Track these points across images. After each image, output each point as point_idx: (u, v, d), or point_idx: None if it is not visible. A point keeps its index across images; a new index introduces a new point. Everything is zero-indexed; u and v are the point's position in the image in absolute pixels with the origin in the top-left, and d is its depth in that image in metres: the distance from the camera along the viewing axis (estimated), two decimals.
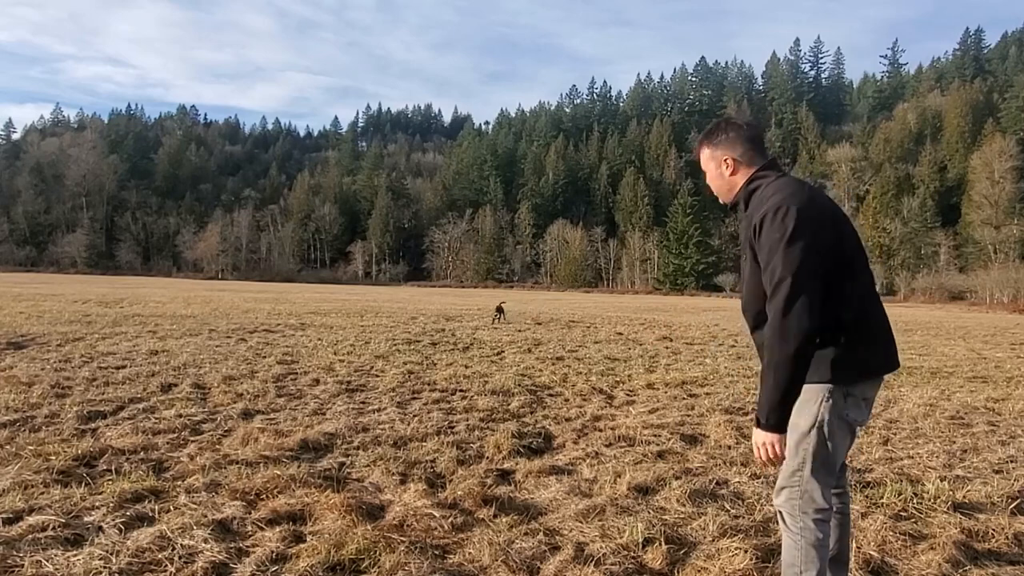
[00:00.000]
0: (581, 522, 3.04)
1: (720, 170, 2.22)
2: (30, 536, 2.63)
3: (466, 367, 7.83)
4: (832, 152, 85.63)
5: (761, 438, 2.03)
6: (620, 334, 13.45)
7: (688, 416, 5.48)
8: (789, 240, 1.93)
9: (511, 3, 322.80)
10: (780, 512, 2.15)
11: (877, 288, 2.30)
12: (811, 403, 2.04)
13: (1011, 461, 4.35)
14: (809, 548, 2.07)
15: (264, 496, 3.22)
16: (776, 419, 1.99)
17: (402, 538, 2.77)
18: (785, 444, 2.03)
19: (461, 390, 6.30)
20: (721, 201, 2.31)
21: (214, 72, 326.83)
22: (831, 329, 1.99)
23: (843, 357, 2.01)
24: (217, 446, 4.08)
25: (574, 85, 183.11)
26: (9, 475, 3.29)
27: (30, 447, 3.81)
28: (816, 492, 2.07)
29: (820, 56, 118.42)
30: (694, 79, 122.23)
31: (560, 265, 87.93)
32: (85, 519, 2.82)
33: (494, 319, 15.66)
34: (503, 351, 9.69)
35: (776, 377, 1.96)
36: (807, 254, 1.93)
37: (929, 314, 34.55)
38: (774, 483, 3.67)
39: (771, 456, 2.02)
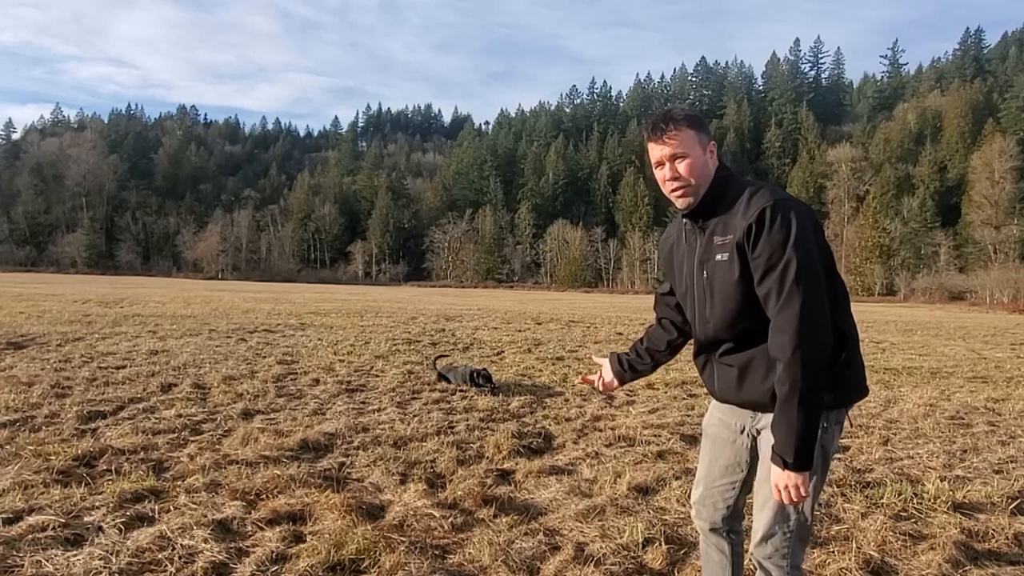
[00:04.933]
0: (581, 522, 3.04)
1: (706, 156, 1.90)
2: (30, 536, 2.63)
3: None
4: (832, 152, 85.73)
5: (786, 480, 1.69)
6: (620, 334, 13.45)
7: (688, 416, 5.48)
8: (796, 242, 1.67)
9: (512, 4, 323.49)
10: (763, 566, 1.86)
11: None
12: None
13: (1011, 461, 4.35)
14: None
15: (264, 496, 3.22)
16: (807, 456, 1.67)
17: (402, 538, 2.78)
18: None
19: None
20: (681, 196, 1.87)
21: (216, 73, 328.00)
22: (837, 344, 1.72)
23: (843, 376, 1.75)
24: (217, 446, 4.08)
25: (574, 85, 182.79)
26: (9, 475, 3.29)
27: (30, 447, 3.81)
28: (807, 539, 1.84)
29: (820, 56, 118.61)
30: (694, 79, 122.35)
31: (560, 265, 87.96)
32: (85, 519, 2.82)
33: None
34: (503, 351, 9.69)
35: (806, 407, 1.65)
36: (815, 258, 1.68)
37: (929, 314, 34.55)
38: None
39: (796, 497, 1.71)
